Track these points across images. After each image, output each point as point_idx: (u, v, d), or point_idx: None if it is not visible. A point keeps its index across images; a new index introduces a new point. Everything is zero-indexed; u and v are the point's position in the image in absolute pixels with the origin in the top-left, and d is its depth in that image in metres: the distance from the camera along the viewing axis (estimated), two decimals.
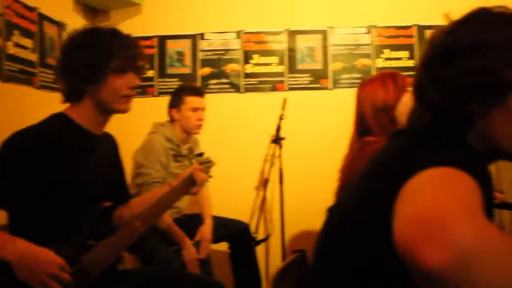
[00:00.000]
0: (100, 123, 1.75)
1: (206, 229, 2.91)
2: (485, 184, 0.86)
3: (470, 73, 0.95)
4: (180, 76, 3.61)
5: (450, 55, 0.96)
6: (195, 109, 2.94)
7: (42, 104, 2.80)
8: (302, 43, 3.61)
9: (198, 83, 3.59)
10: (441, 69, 0.98)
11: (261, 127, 3.47)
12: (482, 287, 0.60)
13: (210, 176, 2.77)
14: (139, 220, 1.71)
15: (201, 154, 2.84)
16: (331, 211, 1.14)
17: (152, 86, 3.61)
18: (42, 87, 2.89)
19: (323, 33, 3.61)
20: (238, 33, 3.62)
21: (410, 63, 3.62)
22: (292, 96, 3.47)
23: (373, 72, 3.59)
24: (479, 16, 1.00)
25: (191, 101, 2.93)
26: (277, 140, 3.11)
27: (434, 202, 0.67)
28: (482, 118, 0.98)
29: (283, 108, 3.18)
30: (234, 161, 3.52)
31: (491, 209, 0.89)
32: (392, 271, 0.83)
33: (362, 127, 2.11)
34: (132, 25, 3.60)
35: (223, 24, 3.62)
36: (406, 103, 2.03)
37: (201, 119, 2.96)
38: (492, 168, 3.26)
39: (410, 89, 2.07)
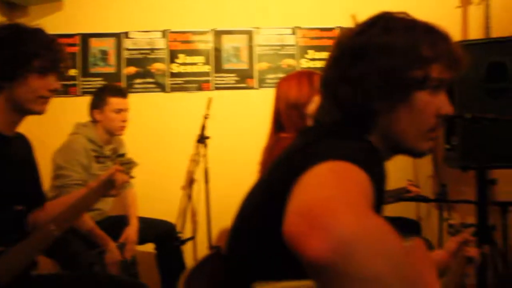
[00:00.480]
0: (12, 123, 1.70)
1: (131, 231, 2.88)
2: (380, 180, 0.92)
3: (377, 73, 1.01)
4: (104, 76, 3.53)
5: (358, 55, 1.02)
6: (118, 111, 2.90)
7: None
8: (228, 43, 3.64)
9: (123, 83, 3.53)
10: (350, 68, 1.03)
11: (187, 127, 3.46)
12: (364, 276, 0.61)
13: (132, 177, 2.73)
14: (54, 223, 1.67)
15: (122, 155, 2.81)
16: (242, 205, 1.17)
17: (74, 85, 3.52)
18: None
19: (249, 33, 3.66)
20: (164, 32, 3.59)
21: None
22: (218, 95, 3.50)
23: None
24: (384, 21, 1.07)
25: (114, 102, 2.89)
26: (202, 139, 3.13)
27: (319, 194, 0.69)
28: (387, 116, 1.05)
29: (208, 107, 3.20)
30: (160, 161, 3.50)
31: (381, 204, 0.95)
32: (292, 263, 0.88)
33: (277, 123, 2.18)
34: (53, 22, 3.49)
35: (149, 23, 3.58)
36: (318, 102, 2.12)
37: (124, 121, 2.92)
38: (410, 162, 3.40)
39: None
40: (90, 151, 2.84)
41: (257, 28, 3.67)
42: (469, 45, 3.36)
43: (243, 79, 3.65)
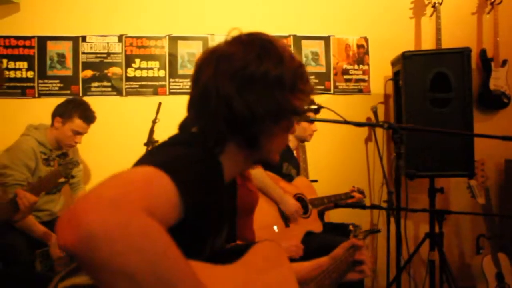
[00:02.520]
0: None
1: None
2: (201, 190, 1.00)
3: (272, 102, 1.11)
4: (61, 78, 3.60)
5: (257, 82, 1.11)
6: (77, 132, 2.96)
7: None
8: (183, 48, 3.72)
9: (80, 86, 3.60)
10: (245, 89, 1.11)
11: (142, 130, 3.53)
12: (111, 269, 0.71)
13: (72, 176, 2.80)
14: None
15: (64, 154, 2.88)
16: None
17: (32, 87, 3.58)
18: None
19: (204, 39, 3.74)
20: (120, 37, 3.67)
21: None
22: (173, 100, 3.58)
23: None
24: (275, 49, 1.15)
25: (78, 124, 2.95)
26: (149, 143, 3.19)
27: (97, 191, 0.77)
28: (267, 136, 1.16)
29: (157, 112, 3.27)
30: (115, 164, 3.55)
31: (203, 210, 1.00)
32: None
33: None
34: (9, 24, 3.55)
35: (105, 27, 3.66)
36: None
37: (77, 142, 3.00)
38: (365, 170, 3.42)
39: None
40: (39, 153, 2.91)
41: (212, 34, 3.75)
42: (414, 56, 3.47)
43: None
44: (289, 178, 2.99)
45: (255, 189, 2.22)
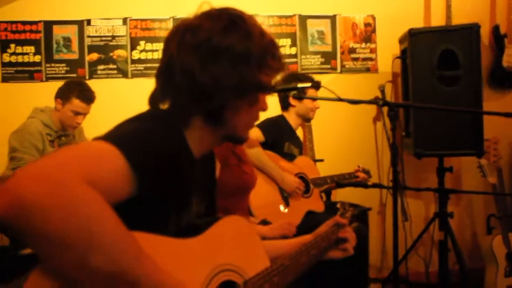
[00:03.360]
0: None
1: None
2: (159, 163, 1.00)
3: (236, 76, 1.11)
4: (68, 62, 3.64)
5: (219, 55, 1.10)
6: (77, 113, 2.98)
7: None
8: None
9: (86, 69, 3.64)
10: (209, 63, 1.10)
11: None
12: (40, 233, 0.73)
13: None
14: None
15: (64, 135, 2.92)
16: None
17: (40, 71, 3.62)
18: None
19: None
20: (125, 20, 3.68)
21: (293, 51, 3.81)
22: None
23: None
24: (244, 24, 1.14)
25: (77, 105, 2.97)
26: None
27: (41, 162, 0.80)
28: (232, 111, 1.16)
29: None
30: None
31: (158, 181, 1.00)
32: None
33: None
34: (16, 9, 3.59)
35: (110, 10, 3.67)
36: None
37: (78, 123, 3.02)
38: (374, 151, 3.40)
39: None
40: (45, 135, 2.96)
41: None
42: (421, 33, 3.39)
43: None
44: (290, 158, 2.98)
45: (250, 170, 2.22)
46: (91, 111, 3.09)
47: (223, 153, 2.06)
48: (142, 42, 3.69)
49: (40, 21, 3.62)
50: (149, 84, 1.26)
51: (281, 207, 2.74)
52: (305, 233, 2.70)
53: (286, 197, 2.78)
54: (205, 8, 1.21)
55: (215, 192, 1.51)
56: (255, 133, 2.78)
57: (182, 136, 1.15)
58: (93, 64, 3.66)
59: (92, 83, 3.22)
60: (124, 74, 3.68)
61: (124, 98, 3.68)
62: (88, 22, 3.65)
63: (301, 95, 2.30)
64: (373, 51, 3.89)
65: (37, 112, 3.02)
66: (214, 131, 1.20)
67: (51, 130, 3.00)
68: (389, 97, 3.85)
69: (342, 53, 3.86)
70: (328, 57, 3.85)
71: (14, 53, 3.58)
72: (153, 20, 3.69)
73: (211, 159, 1.45)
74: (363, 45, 3.88)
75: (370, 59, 3.89)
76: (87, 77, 3.63)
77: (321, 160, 3.62)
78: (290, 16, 3.80)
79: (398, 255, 3.61)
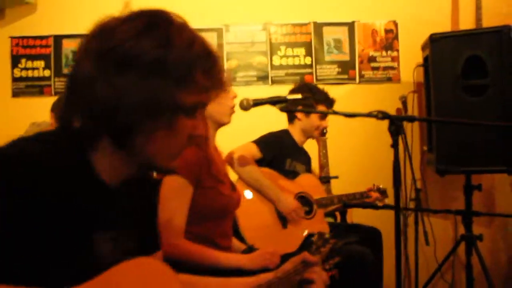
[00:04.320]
0: None
1: None
2: (29, 195, 0.85)
3: (145, 91, 0.93)
4: None
5: (127, 63, 0.93)
6: None
7: None
8: None
9: None
10: (115, 74, 0.93)
11: None
12: None
13: None
14: None
15: None
16: None
17: (49, 86, 3.60)
18: None
19: (219, 31, 3.58)
20: None
21: (308, 61, 3.60)
22: None
23: (269, 70, 3.58)
24: (163, 28, 0.96)
25: None
26: None
27: None
28: (144, 134, 0.97)
29: None
30: None
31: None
32: None
33: None
34: (27, 24, 3.59)
35: None
36: (218, 102, 1.99)
37: None
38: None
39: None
40: None
41: (227, 25, 3.59)
42: (443, 38, 3.10)
43: None
44: (293, 175, 2.76)
45: (230, 192, 2.03)
46: None
47: (196, 173, 1.89)
48: None
49: (50, 36, 3.60)
50: None
51: (275, 229, 2.53)
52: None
53: (283, 217, 2.56)
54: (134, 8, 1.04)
55: (156, 224, 1.33)
56: (251, 150, 2.59)
57: (81, 160, 0.98)
58: None
59: None
60: None
61: None
62: None
63: (289, 108, 2.09)
64: (395, 59, 3.62)
65: (33, 127, 2.98)
66: (127, 157, 1.02)
67: None
68: (412, 109, 3.56)
69: (361, 62, 3.61)
70: (346, 66, 3.61)
71: (24, 68, 3.58)
72: None
73: (148, 185, 1.26)
74: (384, 53, 3.62)
75: (392, 68, 3.61)
76: None
77: (336, 177, 3.37)
78: (305, 24, 3.60)
79: (419, 281, 3.39)
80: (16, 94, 3.59)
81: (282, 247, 2.50)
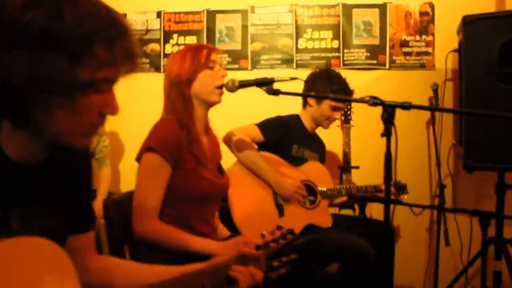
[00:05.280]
0: None
1: (96, 205, 2.96)
2: None
3: (36, 68, 0.88)
4: None
5: (18, 35, 0.88)
6: None
7: None
8: (221, 22, 3.51)
9: None
10: (5, 47, 0.88)
11: None
12: None
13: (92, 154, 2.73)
14: None
15: None
16: None
17: None
18: None
19: (243, 12, 3.49)
20: (159, 13, 3.58)
21: (335, 44, 3.43)
22: None
23: (294, 53, 3.45)
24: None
25: None
26: None
27: None
28: (43, 112, 0.93)
29: None
30: None
31: None
32: None
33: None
34: None
35: (144, 4, 3.61)
36: (203, 80, 1.93)
37: None
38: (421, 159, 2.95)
39: (215, 64, 1.96)
40: None
41: (252, 6, 3.49)
42: (477, 20, 2.82)
43: (236, 59, 3.50)
44: (301, 162, 2.64)
45: (211, 176, 1.94)
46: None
47: (174, 153, 1.83)
48: (175, 36, 3.57)
49: None
50: None
51: (271, 217, 2.42)
52: (299, 249, 2.37)
53: (280, 205, 2.45)
54: None
55: (88, 201, 1.28)
56: (252, 132, 2.49)
57: None
58: None
59: None
60: (157, 68, 3.59)
61: (156, 93, 3.59)
62: (125, 16, 3.62)
63: (275, 91, 1.97)
64: (429, 44, 3.36)
65: None
66: (31, 136, 0.98)
67: None
68: (446, 98, 3.29)
69: (392, 46, 3.38)
70: (375, 51, 3.40)
71: None
72: (187, 13, 3.55)
73: (77, 161, 1.21)
74: (418, 37, 3.36)
75: (426, 53, 3.36)
76: None
77: (357, 167, 3.20)
78: (333, 6, 3.42)
79: (438, 285, 3.15)
80: None
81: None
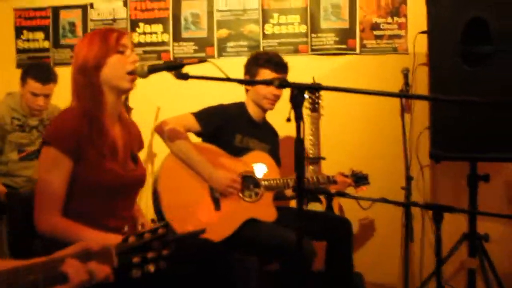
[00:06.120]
0: None
1: None
2: None
3: None
4: (72, 47, 3.58)
5: None
6: (35, 94, 2.89)
7: None
8: (187, 9, 3.40)
9: None
10: None
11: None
12: None
13: None
14: None
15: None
16: None
17: (48, 57, 3.63)
18: None
19: None
20: (125, 2, 3.50)
21: (303, 29, 3.26)
22: None
23: (260, 40, 3.30)
24: None
25: (32, 85, 2.87)
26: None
27: None
28: None
29: None
30: None
31: None
32: None
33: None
34: None
35: None
36: (113, 65, 1.82)
37: (40, 105, 2.90)
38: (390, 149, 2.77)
39: (126, 49, 1.85)
40: (9, 119, 2.92)
41: None
42: None
43: (202, 47, 3.38)
44: (244, 152, 2.50)
45: (117, 167, 1.81)
46: None
47: (72, 144, 1.72)
48: (141, 24, 3.48)
49: (48, 7, 3.62)
50: None
51: (207, 211, 2.30)
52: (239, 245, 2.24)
53: (217, 198, 2.32)
54: None
55: None
56: (186, 121, 2.37)
57: None
58: None
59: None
60: None
61: None
62: (91, 5, 3.56)
63: (183, 75, 1.84)
64: (402, 26, 3.15)
65: (5, 97, 3.01)
66: None
67: (18, 114, 2.96)
68: (420, 83, 3.08)
69: (362, 30, 3.19)
70: (345, 35, 3.21)
71: (26, 40, 3.64)
72: (152, 0, 3.46)
73: None
74: (389, 19, 3.16)
75: (398, 36, 3.15)
76: None
77: (323, 158, 3.03)
78: None
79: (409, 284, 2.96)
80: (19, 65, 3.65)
81: (212, 230, 2.28)
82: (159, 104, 3.35)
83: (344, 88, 1.69)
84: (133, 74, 1.84)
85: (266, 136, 2.65)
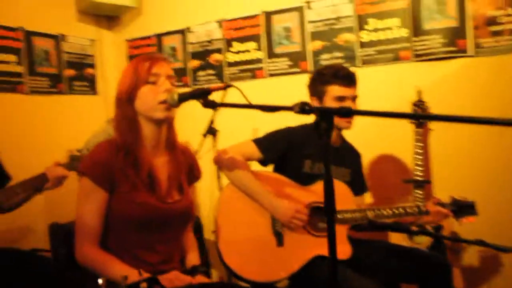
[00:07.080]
0: None
1: None
2: None
3: None
4: (48, 76, 3.61)
5: None
6: None
7: None
8: (278, 24, 3.22)
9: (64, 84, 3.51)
10: None
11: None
12: None
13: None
14: None
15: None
16: None
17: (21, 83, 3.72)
18: None
19: (299, 9, 3.14)
20: (220, 23, 3.45)
21: (404, 32, 2.85)
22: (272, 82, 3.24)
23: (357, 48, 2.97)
24: None
25: None
26: (210, 131, 2.77)
27: None
28: None
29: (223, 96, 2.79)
30: None
31: None
32: None
33: None
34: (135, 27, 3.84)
35: (207, 15, 3.52)
36: (144, 97, 1.73)
37: None
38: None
39: (159, 78, 1.74)
40: None
41: (308, 2, 3.12)
42: None
43: (296, 62, 3.17)
44: (317, 180, 2.21)
45: (154, 200, 1.72)
46: None
47: (105, 175, 1.68)
48: (235, 43, 3.40)
49: (153, 35, 3.74)
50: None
51: (268, 247, 2.06)
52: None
53: (279, 233, 2.08)
54: None
55: None
56: (247, 150, 2.18)
57: None
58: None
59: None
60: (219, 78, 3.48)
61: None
62: (188, 29, 3.58)
63: (211, 103, 1.65)
64: None
65: (107, 125, 3.13)
66: None
67: None
68: None
69: (476, 27, 2.66)
70: (453, 35, 2.72)
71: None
72: (243, 18, 3.35)
73: None
74: (510, 10, 2.58)
75: None
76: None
77: (427, 182, 2.60)
78: None
79: None
80: None
81: (272, 269, 2.05)
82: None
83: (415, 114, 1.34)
84: (165, 103, 1.72)
85: (345, 159, 2.33)
